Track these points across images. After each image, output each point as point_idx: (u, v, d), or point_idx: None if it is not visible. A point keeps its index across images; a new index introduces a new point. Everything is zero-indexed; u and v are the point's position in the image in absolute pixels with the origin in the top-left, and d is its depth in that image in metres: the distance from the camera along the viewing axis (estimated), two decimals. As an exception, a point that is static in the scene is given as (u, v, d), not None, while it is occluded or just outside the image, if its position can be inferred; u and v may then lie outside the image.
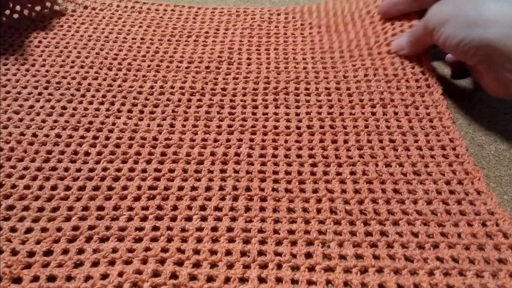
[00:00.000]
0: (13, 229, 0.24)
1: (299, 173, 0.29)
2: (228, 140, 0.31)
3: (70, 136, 0.31)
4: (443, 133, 0.31)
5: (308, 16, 0.47)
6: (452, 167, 0.29)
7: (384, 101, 0.34)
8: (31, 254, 0.23)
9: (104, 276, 0.22)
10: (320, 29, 0.44)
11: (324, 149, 0.30)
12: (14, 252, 0.23)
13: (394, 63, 0.38)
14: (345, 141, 0.31)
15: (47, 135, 0.31)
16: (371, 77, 0.37)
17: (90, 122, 0.33)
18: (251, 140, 0.31)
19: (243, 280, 0.22)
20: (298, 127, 0.32)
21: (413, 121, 0.32)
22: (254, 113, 0.34)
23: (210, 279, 0.22)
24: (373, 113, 0.33)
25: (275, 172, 0.29)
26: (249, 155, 0.30)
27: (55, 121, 0.33)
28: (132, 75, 0.38)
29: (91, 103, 0.35)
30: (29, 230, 0.24)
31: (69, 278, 0.22)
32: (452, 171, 0.28)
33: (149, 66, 0.39)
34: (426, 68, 0.37)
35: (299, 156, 0.30)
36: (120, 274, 0.22)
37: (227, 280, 0.22)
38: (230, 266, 0.23)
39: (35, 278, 0.22)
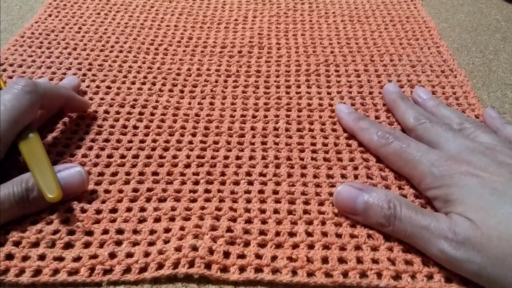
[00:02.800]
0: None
1: (336, 144, 0.31)
2: (265, 116, 0.33)
3: (118, 112, 0.34)
4: (469, 110, 0.33)
5: (331, 6, 0.49)
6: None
7: (412, 82, 0.37)
8: (98, 212, 0.25)
9: (167, 230, 0.24)
10: (344, 18, 0.47)
11: (357, 123, 0.32)
12: (83, 210, 0.25)
13: (416, 52, 0.40)
14: (377, 117, 0.33)
15: (96, 111, 0.34)
16: (396, 62, 0.39)
17: (135, 100, 0.35)
18: (287, 116, 0.33)
19: (291, 234, 0.25)
20: (330, 105, 0.34)
21: (440, 99, 0.34)
22: (287, 93, 0.36)
23: (261, 233, 0.25)
24: (401, 92, 0.35)
25: (313, 144, 0.31)
26: (287, 129, 0.32)
27: (102, 99, 0.35)
28: (169, 59, 0.40)
29: (133, 83, 0.37)
30: (93, 192, 0.27)
31: (135, 232, 0.24)
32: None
33: (184, 51, 0.41)
34: (447, 56, 0.40)
35: (334, 130, 0.32)
36: (182, 228, 0.24)
37: (277, 234, 0.24)
38: (279, 222, 0.25)
39: (105, 231, 0.24)
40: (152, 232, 0.24)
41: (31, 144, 0.25)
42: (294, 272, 0.23)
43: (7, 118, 0.25)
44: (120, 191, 0.27)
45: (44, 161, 0.24)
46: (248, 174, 0.28)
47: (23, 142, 0.25)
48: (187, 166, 0.29)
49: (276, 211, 0.26)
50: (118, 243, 0.24)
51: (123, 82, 0.37)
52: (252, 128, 0.32)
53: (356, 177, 0.28)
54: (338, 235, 0.25)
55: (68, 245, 0.24)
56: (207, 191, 0.27)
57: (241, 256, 0.23)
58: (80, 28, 0.44)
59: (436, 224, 0.22)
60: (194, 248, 0.23)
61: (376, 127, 0.29)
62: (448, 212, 0.23)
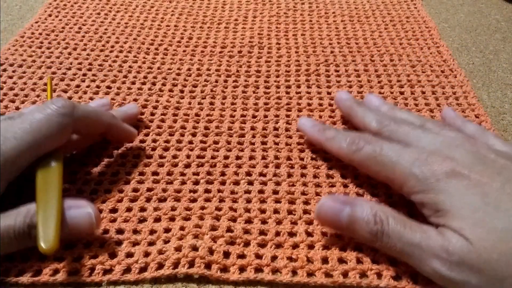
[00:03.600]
0: (79, 191, 0.27)
1: (336, 144, 0.31)
2: (265, 116, 0.33)
3: (118, 112, 0.34)
4: (469, 110, 0.33)
5: (331, 6, 0.49)
6: (478, 139, 0.31)
7: (411, 82, 0.37)
8: (99, 211, 0.25)
9: (167, 230, 0.24)
10: (344, 18, 0.47)
11: (357, 123, 0.32)
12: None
13: (416, 52, 0.40)
14: (376, 117, 0.33)
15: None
16: (396, 62, 0.39)
17: (135, 100, 0.35)
18: (287, 116, 0.33)
19: (291, 234, 0.25)
20: (330, 104, 0.34)
21: (440, 99, 0.35)
22: (288, 92, 0.36)
23: (261, 233, 0.25)
24: (402, 93, 0.35)
25: (313, 144, 0.31)
26: (287, 129, 0.32)
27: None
28: (169, 59, 0.40)
29: (133, 83, 0.37)
30: (94, 191, 0.27)
31: (135, 232, 0.24)
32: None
33: (184, 51, 0.41)
34: (447, 56, 0.40)
35: (334, 129, 0.32)
36: (182, 228, 0.24)
37: (277, 234, 0.25)
38: (279, 222, 0.25)
39: (105, 231, 0.24)
40: (152, 232, 0.24)
41: (48, 175, 0.23)
42: (294, 272, 0.23)
43: (30, 139, 0.22)
44: (120, 191, 0.27)
45: (54, 201, 0.21)
46: (248, 174, 0.28)
47: (41, 170, 0.23)
48: (187, 166, 0.29)
49: (276, 211, 0.26)
50: (118, 243, 0.24)
51: (123, 82, 0.37)
52: (252, 128, 0.32)
53: (356, 177, 0.28)
54: (338, 235, 0.25)
55: (68, 245, 0.24)
56: (207, 191, 0.27)
57: (241, 256, 0.23)
58: (80, 28, 0.44)
59: (428, 241, 0.21)
60: (194, 248, 0.23)
61: (343, 134, 0.27)
62: (439, 224, 0.22)
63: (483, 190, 0.21)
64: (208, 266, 0.23)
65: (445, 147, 0.24)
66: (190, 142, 0.31)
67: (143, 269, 0.23)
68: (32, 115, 0.23)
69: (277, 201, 0.27)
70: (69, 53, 0.40)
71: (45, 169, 0.23)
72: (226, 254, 0.23)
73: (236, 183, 0.28)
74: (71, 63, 0.39)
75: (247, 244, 0.24)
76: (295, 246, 0.24)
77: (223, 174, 0.28)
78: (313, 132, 0.29)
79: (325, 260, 0.23)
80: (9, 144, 0.22)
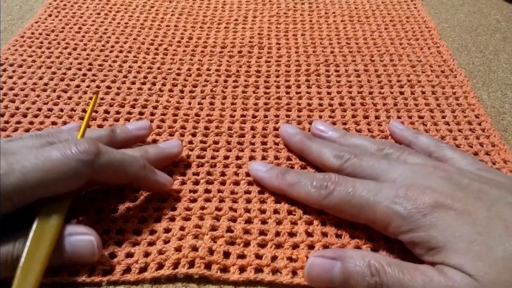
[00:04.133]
0: (79, 191, 0.27)
1: (336, 144, 0.31)
2: (265, 116, 0.33)
3: (118, 112, 0.34)
4: (469, 110, 0.33)
5: (331, 6, 0.49)
6: (479, 140, 0.31)
7: (411, 82, 0.37)
8: (98, 211, 0.25)
9: (167, 230, 0.24)
10: (344, 18, 0.47)
11: (357, 123, 0.32)
12: (83, 210, 0.25)
13: (416, 52, 0.40)
14: (377, 117, 0.33)
15: (96, 111, 0.34)
16: (396, 62, 0.39)
17: (135, 100, 0.35)
18: (287, 116, 0.33)
19: (291, 234, 0.25)
20: (330, 105, 0.34)
21: (440, 99, 0.35)
22: (288, 93, 0.36)
23: (262, 233, 0.25)
24: (402, 93, 0.35)
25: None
26: (287, 129, 0.32)
27: (102, 99, 0.35)
28: (169, 59, 0.40)
29: (133, 83, 0.37)
30: (94, 192, 0.27)
31: (135, 232, 0.24)
32: (479, 144, 0.31)
33: (184, 51, 0.41)
34: (447, 56, 0.40)
35: (334, 130, 0.32)
36: (182, 228, 0.24)
37: (277, 234, 0.24)
38: (279, 222, 0.25)
39: (106, 231, 0.24)
40: (152, 232, 0.24)
41: (44, 229, 0.20)
42: (294, 273, 0.23)
43: (36, 178, 0.20)
44: (120, 191, 0.27)
45: (40, 261, 0.20)
46: (248, 174, 0.28)
47: (39, 220, 0.21)
48: (187, 166, 0.29)
49: (276, 211, 0.26)
50: (118, 243, 0.24)
51: (123, 82, 0.37)
52: (252, 128, 0.32)
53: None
54: (338, 236, 0.25)
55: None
56: (207, 191, 0.27)
57: (241, 256, 0.23)
58: (80, 28, 0.44)
59: (431, 284, 0.19)
60: (194, 249, 0.23)
61: (306, 177, 0.25)
62: (436, 262, 0.20)
63: (472, 219, 0.20)
64: (208, 266, 0.23)
65: (419, 177, 0.23)
66: (190, 142, 0.31)
67: (143, 269, 0.23)
68: (50, 152, 0.21)
69: (277, 201, 0.26)
70: (69, 53, 0.40)
71: (43, 221, 0.21)
72: (226, 254, 0.23)
73: (236, 183, 0.28)
74: (71, 63, 0.39)
75: (247, 244, 0.24)
76: (295, 246, 0.24)
77: (223, 174, 0.28)
78: (271, 178, 0.26)
79: None
80: (13, 179, 0.20)
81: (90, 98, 0.34)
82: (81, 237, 0.21)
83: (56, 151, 0.21)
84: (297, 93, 0.36)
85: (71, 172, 0.21)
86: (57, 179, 0.21)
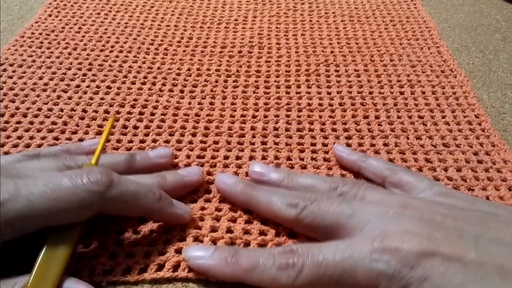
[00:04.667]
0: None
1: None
2: (265, 116, 0.33)
3: (118, 112, 0.34)
4: (469, 110, 0.33)
5: (331, 6, 0.49)
6: (479, 140, 0.31)
7: (412, 82, 0.37)
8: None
9: (167, 231, 0.24)
10: (344, 18, 0.47)
11: (357, 123, 0.32)
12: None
13: (416, 52, 0.40)
14: (377, 117, 0.33)
15: (96, 111, 0.34)
16: (396, 62, 0.39)
17: (135, 100, 0.35)
18: (287, 116, 0.33)
19: (291, 234, 0.25)
20: (330, 105, 0.34)
21: (440, 99, 0.35)
22: (288, 92, 0.36)
23: (261, 233, 0.25)
24: (402, 93, 0.35)
25: (313, 144, 0.31)
26: (287, 129, 0.32)
27: (102, 99, 0.35)
28: (169, 59, 0.40)
29: (133, 83, 0.37)
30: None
31: (135, 231, 0.24)
32: (479, 144, 0.31)
33: (184, 51, 0.41)
34: (447, 56, 0.40)
35: (334, 129, 0.32)
36: (182, 229, 0.24)
37: (277, 234, 0.24)
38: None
39: (106, 231, 0.24)
40: (152, 232, 0.24)
41: (50, 258, 0.20)
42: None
43: (43, 206, 0.19)
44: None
45: None
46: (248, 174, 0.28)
47: (46, 249, 0.20)
48: (187, 166, 0.29)
49: (276, 211, 0.26)
50: (118, 243, 0.24)
51: (123, 82, 0.37)
52: (252, 128, 0.32)
53: (356, 177, 0.28)
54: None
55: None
56: (207, 191, 0.27)
57: (241, 256, 0.23)
58: (80, 28, 0.44)
59: None
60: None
61: (265, 255, 0.21)
62: None
63: (462, 264, 0.18)
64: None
65: (389, 221, 0.20)
66: (190, 142, 0.31)
67: (142, 270, 0.23)
68: (60, 180, 0.20)
69: (277, 201, 0.26)
70: (69, 53, 0.40)
71: (50, 250, 0.20)
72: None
73: (236, 183, 0.28)
74: (71, 63, 0.39)
75: (247, 244, 0.24)
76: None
77: (223, 174, 0.28)
78: (220, 268, 0.21)
79: None
80: (17, 205, 0.19)
81: (106, 119, 0.33)
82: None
83: (67, 179, 0.20)
84: (297, 93, 0.36)
85: (79, 203, 0.20)
86: (64, 209, 0.20)
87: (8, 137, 0.31)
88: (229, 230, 0.25)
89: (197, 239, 0.24)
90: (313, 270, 0.19)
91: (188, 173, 0.26)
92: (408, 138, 0.31)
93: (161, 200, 0.23)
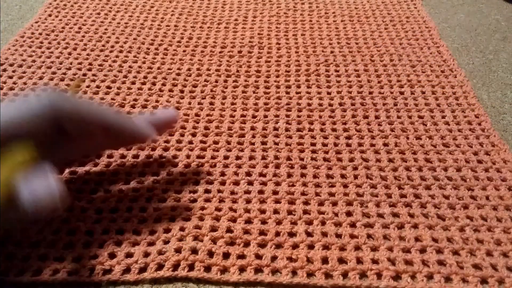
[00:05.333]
0: (79, 191, 0.27)
1: (335, 144, 0.31)
2: (265, 116, 0.33)
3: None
4: (469, 110, 0.33)
5: (331, 6, 0.49)
6: (479, 139, 0.31)
7: (411, 82, 0.37)
8: (98, 211, 0.25)
9: (167, 230, 0.24)
10: (344, 18, 0.47)
11: (357, 123, 0.32)
12: (82, 210, 0.25)
13: (416, 52, 0.40)
14: (376, 117, 0.33)
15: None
16: (396, 62, 0.39)
17: (135, 100, 0.35)
18: (287, 116, 0.33)
19: (291, 234, 0.25)
20: (330, 105, 0.34)
21: (439, 99, 0.35)
22: (288, 93, 0.36)
23: (261, 233, 0.25)
24: (401, 93, 0.35)
25: (313, 144, 0.31)
26: (287, 129, 0.32)
27: (102, 99, 0.35)
28: (169, 59, 0.40)
29: (133, 83, 0.37)
30: (94, 191, 0.27)
31: (135, 232, 0.24)
32: (479, 143, 0.31)
33: (184, 51, 0.41)
34: (447, 56, 0.40)
35: (334, 129, 0.32)
36: (181, 229, 0.24)
37: (277, 234, 0.24)
38: (279, 222, 0.25)
39: (106, 231, 0.24)
40: (152, 232, 0.24)
41: (7, 158, 0.20)
42: (294, 273, 0.23)
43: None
44: (120, 191, 0.27)
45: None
46: (248, 174, 0.28)
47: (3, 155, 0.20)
48: (187, 166, 0.29)
49: (276, 211, 0.26)
50: (118, 243, 0.24)
51: (123, 82, 0.37)
52: (252, 128, 0.32)
53: (355, 177, 0.28)
54: (338, 235, 0.25)
55: (68, 245, 0.24)
56: (207, 191, 0.27)
57: (241, 256, 0.23)
58: (80, 28, 0.44)
59: None
60: (194, 251, 0.23)
61: None
62: None
63: None
64: (208, 268, 0.23)
65: None
66: (190, 142, 0.31)
67: (142, 270, 0.23)
68: (19, 99, 0.22)
69: (277, 201, 0.26)
70: (69, 53, 0.40)
71: (10, 154, 0.20)
72: (226, 255, 0.23)
73: (236, 183, 0.28)
74: (71, 63, 0.39)
75: (247, 244, 0.24)
76: (295, 246, 0.24)
77: (223, 174, 0.28)
78: None
79: (325, 260, 0.23)
80: None
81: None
82: (40, 181, 0.19)
83: (24, 97, 0.22)
84: (297, 93, 0.36)
85: (28, 112, 0.21)
86: (15, 119, 0.21)
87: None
88: (229, 230, 0.25)
89: (197, 239, 0.24)
90: None
91: (162, 112, 0.28)
92: (408, 138, 0.31)
93: (120, 116, 0.23)
